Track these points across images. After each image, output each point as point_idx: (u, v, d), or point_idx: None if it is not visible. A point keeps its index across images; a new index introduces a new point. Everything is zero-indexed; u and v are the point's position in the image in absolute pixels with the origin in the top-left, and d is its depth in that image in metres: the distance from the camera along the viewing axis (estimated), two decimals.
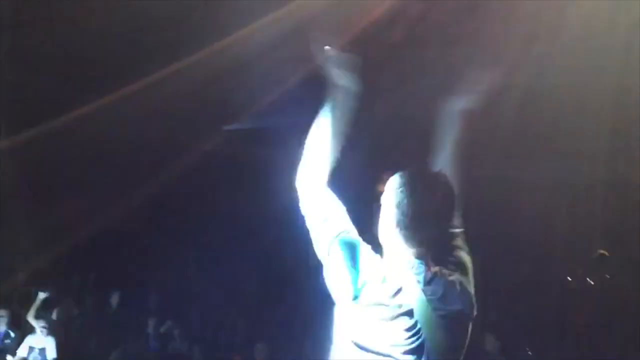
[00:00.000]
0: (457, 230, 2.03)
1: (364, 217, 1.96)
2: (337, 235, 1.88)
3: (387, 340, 1.80)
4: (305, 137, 1.98)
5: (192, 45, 7.92)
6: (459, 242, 2.02)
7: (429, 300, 1.81)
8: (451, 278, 1.86)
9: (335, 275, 1.85)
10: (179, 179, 10.47)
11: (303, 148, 1.92)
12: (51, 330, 7.81)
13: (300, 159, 1.94)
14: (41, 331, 7.70)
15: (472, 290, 1.91)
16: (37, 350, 7.65)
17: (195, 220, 11.06)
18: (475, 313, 1.90)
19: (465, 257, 1.99)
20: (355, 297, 1.81)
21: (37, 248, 9.09)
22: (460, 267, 1.94)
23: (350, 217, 1.93)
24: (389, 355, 1.81)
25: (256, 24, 7.87)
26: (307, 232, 1.97)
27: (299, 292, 9.15)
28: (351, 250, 1.86)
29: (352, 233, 1.91)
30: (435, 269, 1.86)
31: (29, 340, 7.72)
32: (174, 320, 9.14)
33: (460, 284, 1.88)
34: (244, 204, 11.96)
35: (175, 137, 10.75)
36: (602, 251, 7.86)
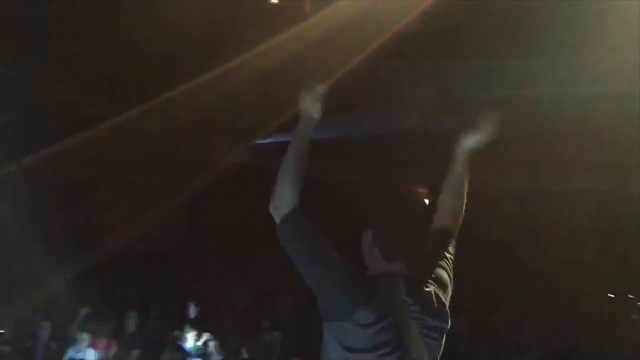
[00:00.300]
0: (442, 252, 2.16)
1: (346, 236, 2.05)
2: (320, 257, 1.93)
3: (374, 349, 1.88)
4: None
5: (220, 58, 8.06)
6: (442, 261, 2.14)
7: (410, 313, 1.91)
8: (428, 290, 1.98)
9: (326, 295, 1.92)
10: (212, 192, 10.62)
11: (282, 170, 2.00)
12: (92, 343, 8.00)
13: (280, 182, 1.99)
14: (83, 343, 7.89)
15: (447, 303, 2.02)
16: None
17: (229, 232, 11.17)
18: (449, 326, 1.99)
19: (445, 275, 2.11)
20: (347, 315, 1.88)
21: (77, 261, 9.30)
22: (439, 283, 2.05)
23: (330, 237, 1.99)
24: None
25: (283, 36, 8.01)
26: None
27: None
28: (337, 269, 1.92)
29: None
30: (413, 283, 1.97)
31: (71, 352, 7.91)
32: (211, 332, 9.22)
33: (437, 297, 1.99)
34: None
35: (206, 150, 10.92)
36: None
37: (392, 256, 1.98)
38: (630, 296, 8.11)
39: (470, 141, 2.27)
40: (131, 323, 8.84)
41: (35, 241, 9.14)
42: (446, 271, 2.14)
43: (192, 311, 9.70)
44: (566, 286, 9.13)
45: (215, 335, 9.17)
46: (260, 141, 11.80)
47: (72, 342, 8.03)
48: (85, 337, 8.00)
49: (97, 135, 9.02)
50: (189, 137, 10.14)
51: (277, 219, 1.96)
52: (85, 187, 10.33)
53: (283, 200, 1.95)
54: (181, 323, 9.22)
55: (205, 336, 9.21)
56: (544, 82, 8.62)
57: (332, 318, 1.92)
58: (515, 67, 8.58)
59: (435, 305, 1.98)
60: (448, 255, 2.19)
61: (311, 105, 2.08)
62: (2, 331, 8.44)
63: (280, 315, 10.07)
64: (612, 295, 8.56)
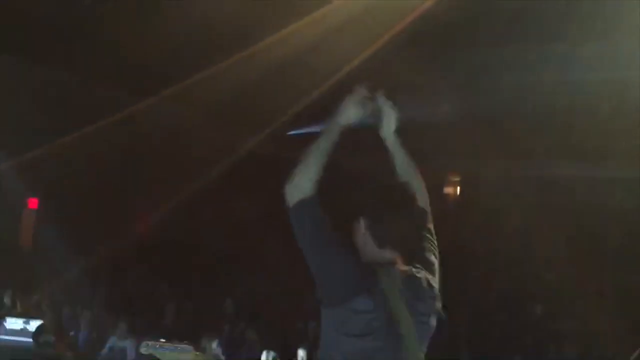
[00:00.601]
0: (426, 233, 2.26)
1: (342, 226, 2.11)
2: (326, 243, 2.02)
3: (369, 334, 1.99)
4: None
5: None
6: (427, 243, 2.24)
7: (402, 298, 2.00)
8: (419, 275, 2.08)
9: (327, 281, 2.01)
10: (243, 183, 10.68)
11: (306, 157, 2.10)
12: (131, 333, 8.15)
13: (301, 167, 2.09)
14: (122, 332, 8.05)
15: (437, 287, 2.12)
16: (117, 350, 7.99)
17: (263, 223, 11.24)
18: (440, 307, 2.10)
19: (432, 257, 2.21)
20: (346, 301, 1.96)
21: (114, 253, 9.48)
22: (428, 266, 2.16)
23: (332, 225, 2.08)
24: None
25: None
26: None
27: None
28: (339, 256, 2.02)
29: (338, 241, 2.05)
30: (405, 268, 2.06)
31: (111, 341, 8.07)
32: (248, 324, 9.28)
33: (428, 282, 2.09)
34: None
35: (238, 142, 10.99)
36: None
37: (385, 244, 2.06)
38: None
39: (381, 132, 2.37)
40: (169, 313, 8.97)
41: (72, 233, 9.35)
42: (432, 253, 2.23)
43: (229, 303, 9.75)
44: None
45: (251, 327, 9.21)
46: (286, 131, 11.85)
47: (113, 331, 8.19)
48: (124, 326, 8.15)
49: (117, 126, 9.10)
50: (210, 127, 10.19)
51: (289, 204, 2.05)
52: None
53: (298, 188, 2.05)
54: (219, 314, 9.28)
55: (242, 326, 9.25)
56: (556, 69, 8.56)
57: (331, 304, 2.01)
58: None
59: (426, 289, 2.08)
60: (429, 235, 2.28)
61: (353, 109, 2.19)
62: (43, 322, 8.66)
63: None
64: None
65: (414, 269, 2.08)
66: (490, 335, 8.88)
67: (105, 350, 7.95)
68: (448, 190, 12.96)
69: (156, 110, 9.30)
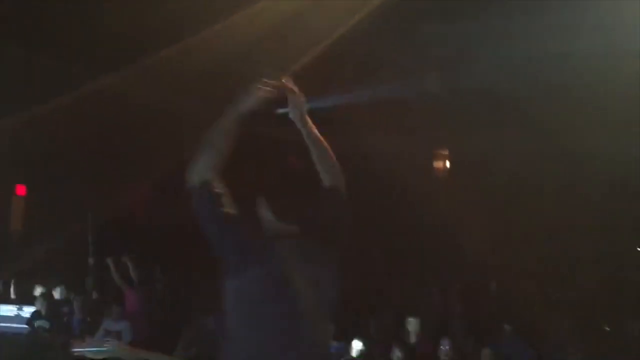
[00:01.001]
0: (332, 209, 2.39)
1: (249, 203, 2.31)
2: (223, 219, 2.20)
3: (263, 301, 2.16)
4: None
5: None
6: (330, 219, 2.37)
7: (298, 267, 2.18)
8: (317, 247, 2.24)
9: (224, 254, 2.21)
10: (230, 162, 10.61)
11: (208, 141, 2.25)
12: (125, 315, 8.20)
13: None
14: (116, 315, 8.09)
15: (337, 258, 2.30)
16: (113, 334, 8.02)
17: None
18: (335, 276, 2.27)
19: (332, 229, 2.35)
20: (241, 270, 2.16)
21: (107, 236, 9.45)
22: (328, 239, 2.31)
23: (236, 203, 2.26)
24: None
25: None
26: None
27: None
28: (234, 229, 2.21)
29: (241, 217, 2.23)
30: (303, 240, 2.22)
31: (105, 324, 8.11)
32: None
33: (326, 253, 2.27)
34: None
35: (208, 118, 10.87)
36: None
37: (285, 218, 2.25)
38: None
39: (290, 116, 2.50)
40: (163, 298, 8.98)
41: (66, 220, 9.32)
42: (336, 227, 2.37)
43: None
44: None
45: None
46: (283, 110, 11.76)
47: (107, 314, 8.22)
48: (118, 309, 8.18)
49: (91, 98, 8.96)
50: (188, 104, 10.05)
51: (190, 186, 2.24)
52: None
53: (197, 172, 2.23)
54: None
55: None
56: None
57: (229, 273, 2.19)
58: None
59: (324, 260, 2.25)
60: (337, 211, 2.42)
61: (252, 96, 2.32)
62: (37, 308, 8.68)
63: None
64: None
65: (312, 241, 2.25)
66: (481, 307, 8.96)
67: (100, 333, 7.98)
68: (437, 165, 13.02)
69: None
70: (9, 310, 9.01)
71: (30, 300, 9.01)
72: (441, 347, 6.97)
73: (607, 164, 8.99)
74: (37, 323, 8.45)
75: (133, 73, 8.71)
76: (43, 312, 8.64)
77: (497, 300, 8.44)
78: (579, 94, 8.51)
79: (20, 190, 11.79)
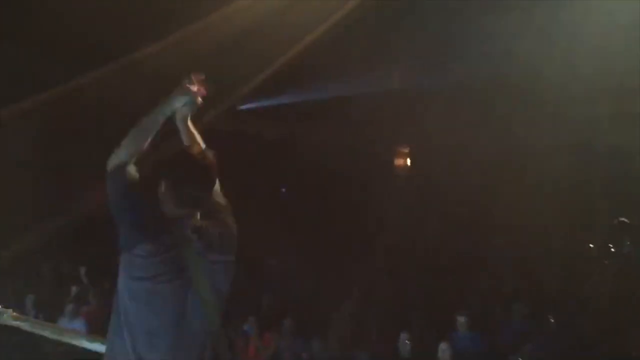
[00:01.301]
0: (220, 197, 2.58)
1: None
2: (127, 199, 2.35)
3: (153, 277, 2.31)
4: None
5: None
6: (222, 204, 2.55)
7: (198, 250, 2.34)
8: (211, 230, 2.40)
9: (121, 230, 2.34)
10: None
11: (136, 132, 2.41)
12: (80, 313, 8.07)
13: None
14: (71, 314, 7.97)
15: (231, 240, 2.46)
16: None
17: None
18: (233, 259, 2.44)
19: (227, 216, 2.53)
20: (132, 246, 2.30)
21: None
22: (222, 223, 2.48)
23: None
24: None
25: None
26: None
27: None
28: (133, 209, 2.34)
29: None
30: (201, 223, 2.39)
31: (59, 323, 7.96)
32: None
33: (221, 235, 2.43)
34: (264, 184, 12.00)
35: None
36: (622, 219, 7.70)
37: (182, 202, 2.37)
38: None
39: (182, 110, 2.60)
40: None
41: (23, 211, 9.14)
42: (225, 213, 2.52)
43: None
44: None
45: None
46: (245, 106, 11.74)
47: (60, 313, 8.10)
48: (72, 308, 8.06)
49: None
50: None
51: (107, 170, 2.39)
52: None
53: (117, 157, 2.38)
54: None
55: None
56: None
57: (122, 249, 2.34)
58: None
59: (217, 241, 2.40)
60: (221, 199, 2.57)
61: (181, 98, 2.49)
62: None
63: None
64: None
65: (206, 223, 2.40)
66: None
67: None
68: (398, 162, 13.08)
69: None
70: None
71: None
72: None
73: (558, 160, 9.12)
74: None
75: (110, 71, 8.66)
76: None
77: (451, 292, 8.46)
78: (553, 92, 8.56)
79: None
